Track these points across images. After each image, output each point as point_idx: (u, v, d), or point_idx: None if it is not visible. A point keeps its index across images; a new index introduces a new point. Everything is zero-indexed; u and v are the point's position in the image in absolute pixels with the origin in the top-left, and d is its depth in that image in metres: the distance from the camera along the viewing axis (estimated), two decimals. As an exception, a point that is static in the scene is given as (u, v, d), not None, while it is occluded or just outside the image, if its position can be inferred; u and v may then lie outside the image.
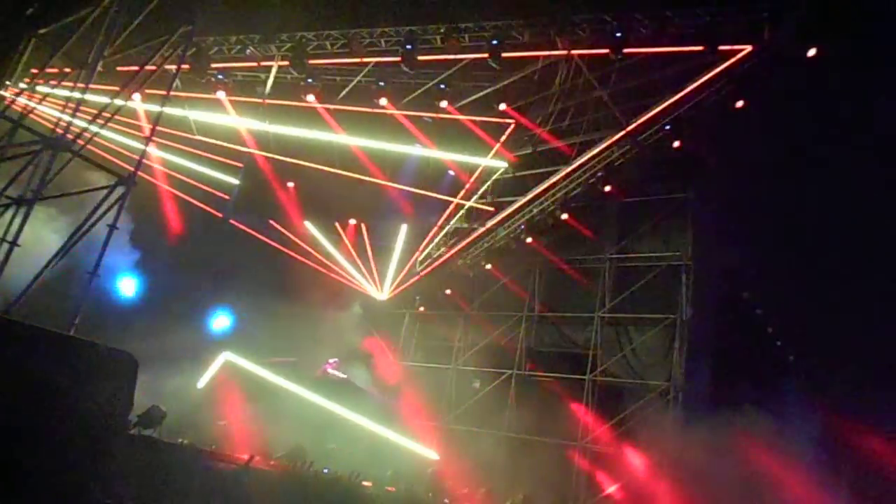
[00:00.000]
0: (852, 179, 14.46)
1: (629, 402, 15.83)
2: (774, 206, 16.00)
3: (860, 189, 14.54)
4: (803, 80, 13.40)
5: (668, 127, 15.10)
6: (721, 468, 13.52)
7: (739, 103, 13.96)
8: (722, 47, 13.49)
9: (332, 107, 17.05)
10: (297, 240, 19.78)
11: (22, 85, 11.40)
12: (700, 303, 15.93)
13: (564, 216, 17.07)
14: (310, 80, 16.23)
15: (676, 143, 15.18)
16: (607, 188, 16.53)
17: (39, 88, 10.99)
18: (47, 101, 10.73)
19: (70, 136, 8.92)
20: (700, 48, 13.56)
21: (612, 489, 15.29)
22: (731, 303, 16.94)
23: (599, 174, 16.34)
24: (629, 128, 15.43)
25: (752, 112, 14.10)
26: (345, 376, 17.85)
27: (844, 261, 15.38)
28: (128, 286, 16.10)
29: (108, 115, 9.48)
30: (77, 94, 9.44)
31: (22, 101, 11.34)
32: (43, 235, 11.25)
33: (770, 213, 16.12)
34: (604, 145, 15.97)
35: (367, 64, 15.89)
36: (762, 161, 15.26)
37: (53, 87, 10.41)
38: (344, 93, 16.93)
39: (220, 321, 18.51)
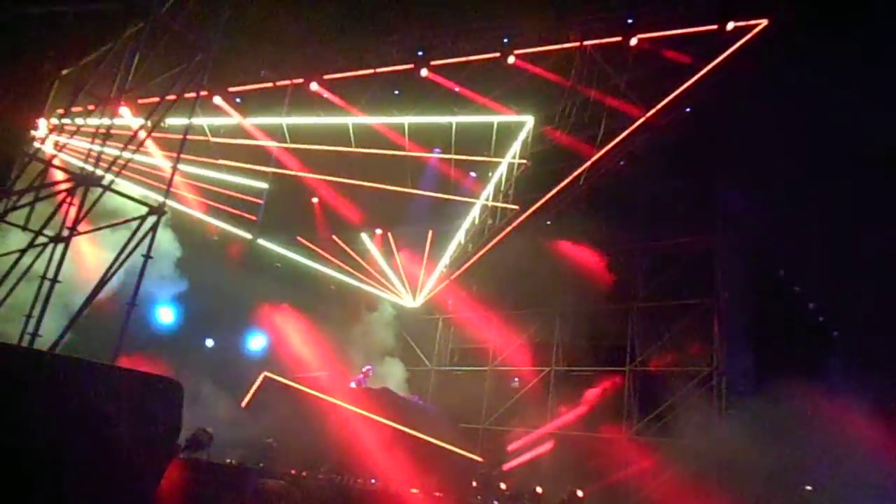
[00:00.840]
0: (883, 141, 14.07)
1: (672, 391, 15.63)
2: (801, 180, 15.62)
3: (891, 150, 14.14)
4: (824, 49, 13.08)
5: (687, 110, 14.91)
6: (772, 451, 13.27)
7: (759, 79, 13.71)
8: (737, 24, 13.28)
9: (350, 119, 17.18)
10: (325, 254, 20.01)
11: (50, 127, 11.71)
12: (735, 285, 15.66)
13: (590, 207, 16.95)
14: (326, 95, 16.42)
15: (697, 126, 14.97)
16: (631, 177, 16.36)
17: (67, 128, 11.27)
18: (75, 140, 11.00)
19: (99, 172, 9.12)
20: (714, 27, 13.37)
21: (662, 478, 15.10)
22: (768, 282, 16.60)
23: (622, 163, 16.20)
24: (648, 114, 15.26)
25: (772, 87, 13.83)
26: (383, 386, 17.95)
27: (879, 227, 14.96)
28: (166, 314, 16.59)
29: (133, 147, 9.68)
30: (102, 130, 9.66)
31: (51, 141, 11.67)
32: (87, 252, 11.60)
33: (797, 187, 15.74)
34: (624, 134, 15.81)
35: (381, 74, 15.98)
36: (785, 134, 14.93)
37: (80, 125, 10.67)
38: (360, 104, 17.06)
39: (256, 341, 18.92)
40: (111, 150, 9.68)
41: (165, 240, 15.72)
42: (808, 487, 13.99)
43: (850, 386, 13.99)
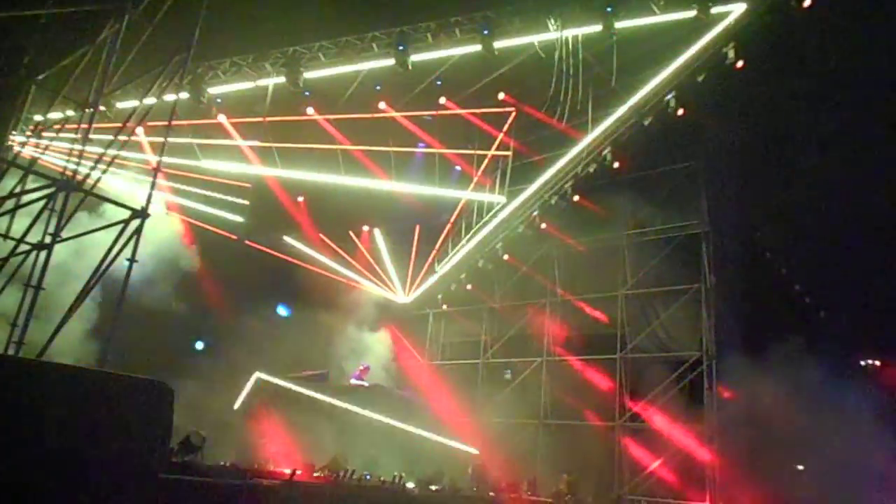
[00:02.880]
0: (864, 123, 14.22)
1: (663, 376, 15.74)
2: (785, 164, 15.77)
3: (872, 132, 14.29)
4: (803, 30, 13.16)
5: (669, 96, 14.94)
6: (763, 431, 13.39)
7: (739, 63, 13.74)
8: (715, 9, 13.31)
9: (332, 117, 17.10)
10: (313, 253, 19.92)
11: (28, 132, 11.58)
12: (723, 269, 15.78)
13: (577, 198, 16.97)
14: (307, 93, 16.31)
15: (680, 112, 15.00)
16: (616, 165, 16.38)
17: (45, 133, 11.16)
18: (54, 145, 10.88)
19: (80, 177, 9.03)
20: (693, 13, 13.39)
21: (655, 465, 15.21)
22: (754, 265, 16.75)
23: (607, 152, 16.22)
24: (631, 102, 15.29)
25: (753, 70, 13.88)
26: (375, 382, 17.94)
27: (864, 208, 15.11)
28: None
29: (114, 151, 9.59)
30: (81, 136, 9.56)
31: (30, 147, 11.54)
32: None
33: (781, 170, 15.89)
34: (608, 122, 15.83)
35: (361, 70, 15.89)
36: (768, 118, 15.04)
37: (58, 130, 10.56)
38: (342, 101, 16.93)
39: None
40: (91, 157, 9.59)
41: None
42: (800, 467, 14.14)
43: (838, 362, 14.16)
